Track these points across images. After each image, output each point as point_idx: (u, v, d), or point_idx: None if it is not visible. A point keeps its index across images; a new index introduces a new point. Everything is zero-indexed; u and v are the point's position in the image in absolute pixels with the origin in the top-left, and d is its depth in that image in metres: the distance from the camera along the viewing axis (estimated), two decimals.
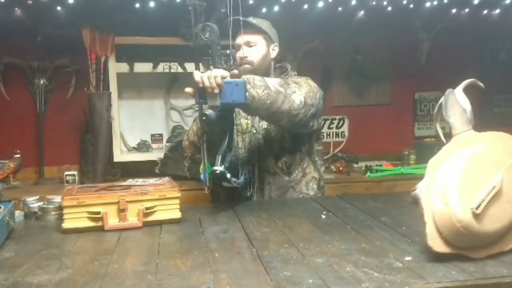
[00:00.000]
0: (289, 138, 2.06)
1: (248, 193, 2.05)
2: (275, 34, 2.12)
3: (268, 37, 2.08)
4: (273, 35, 2.10)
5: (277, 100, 1.75)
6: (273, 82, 1.79)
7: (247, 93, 1.68)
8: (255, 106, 1.71)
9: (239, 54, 2.03)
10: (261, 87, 1.72)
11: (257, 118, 2.06)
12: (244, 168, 2.01)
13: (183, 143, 2.17)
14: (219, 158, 1.70)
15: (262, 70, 2.05)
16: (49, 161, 3.40)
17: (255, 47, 2.05)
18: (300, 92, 1.85)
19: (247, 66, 2.02)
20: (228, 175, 1.72)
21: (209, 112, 1.68)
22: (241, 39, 2.03)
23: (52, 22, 3.15)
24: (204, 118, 1.67)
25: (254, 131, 2.08)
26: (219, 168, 1.68)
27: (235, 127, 2.06)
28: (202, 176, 1.72)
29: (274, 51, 2.11)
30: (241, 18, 1.89)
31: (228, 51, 1.77)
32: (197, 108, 1.83)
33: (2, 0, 2.88)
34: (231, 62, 1.79)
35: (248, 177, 2.02)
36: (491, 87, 3.97)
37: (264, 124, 2.07)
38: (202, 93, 1.63)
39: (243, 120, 2.09)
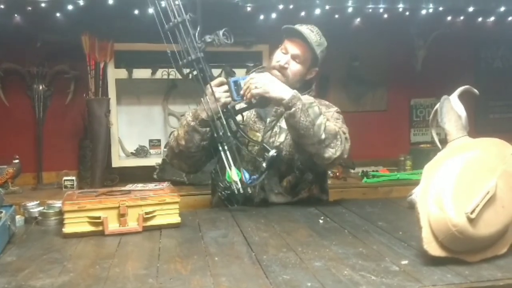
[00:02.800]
0: (303, 161, 1.99)
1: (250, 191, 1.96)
2: (323, 58, 2.04)
3: (316, 60, 2.01)
4: (320, 60, 2.02)
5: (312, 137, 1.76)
6: (328, 127, 1.77)
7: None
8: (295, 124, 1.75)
9: (280, 57, 1.96)
10: (311, 117, 1.74)
11: (269, 132, 1.99)
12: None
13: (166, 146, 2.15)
14: (264, 146, 1.80)
15: (290, 87, 1.94)
16: (47, 166, 3.41)
17: (299, 65, 1.98)
18: (346, 145, 1.83)
19: (280, 75, 1.95)
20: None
21: (208, 118, 1.74)
22: (293, 48, 1.96)
23: (52, 28, 3.18)
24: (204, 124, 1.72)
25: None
26: (272, 152, 1.75)
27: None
28: (246, 178, 1.74)
29: (310, 75, 2.05)
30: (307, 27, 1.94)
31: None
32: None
33: (1, 6, 2.89)
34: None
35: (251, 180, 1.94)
36: (486, 94, 3.99)
37: (276, 142, 1.98)
38: (237, 90, 1.79)
39: (251, 132, 2.01)
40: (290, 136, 1.92)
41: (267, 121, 2.02)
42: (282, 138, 2.00)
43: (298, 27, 1.98)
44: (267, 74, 1.87)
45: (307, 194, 2.03)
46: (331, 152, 1.79)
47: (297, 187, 2.01)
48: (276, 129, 2.01)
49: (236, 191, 1.75)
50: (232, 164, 1.73)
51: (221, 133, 1.79)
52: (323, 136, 1.76)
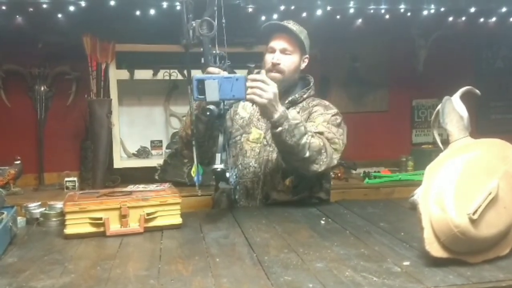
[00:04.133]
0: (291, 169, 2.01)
1: (235, 196, 2.01)
2: (309, 45, 2.06)
3: (303, 47, 2.02)
4: (307, 46, 2.04)
5: (302, 154, 1.78)
6: (312, 144, 1.79)
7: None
8: (281, 140, 1.75)
9: (270, 58, 1.98)
10: (296, 138, 1.75)
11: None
12: (235, 171, 1.96)
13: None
14: (219, 156, 1.65)
15: (290, 81, 2.01)
16: (49, 167, 3.41)
17: (290, 56, 1.99)
18: (333, 157, 1.88)
19: (276, 74, 1.96)
20: (228, 174, 1.69)
21: (212, 107, 1.65)
22: (277, 43, 1.97)
23: (53, 29, 3.18)
24: (208, 113, 1.64)
25: (265, 142, 2.01)
26: (219, 166, 1.63)
27: (243, 135, 2.04)
28: (195, 179, 1.69)
29: (304, 63, 2.06)
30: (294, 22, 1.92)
31: (219, 52, 1.71)
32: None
33: (3, 8, 2.90)
34: (224, 61, 1.73)
35: (236, 179, 1.93)
36: (487, 95, 3.99)
37: None
38: (201, 89, 1.59)
39: (254, 129, 2.03)
40: (276, 147, 1.93)
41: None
42: None
43: (274, 22, 2.03)
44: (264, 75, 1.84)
45: (308, 193, 2.04)
46: (315, 167, 1.84)
47: (299, 186, 2.01)
48: None
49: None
50: (195, 161, 1.69)
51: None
52: (307, 155, 1.80)
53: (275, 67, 1.97)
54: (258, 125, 2.04)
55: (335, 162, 1.92)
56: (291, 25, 2.00)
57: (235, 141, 2.06)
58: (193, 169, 1.71)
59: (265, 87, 1.70)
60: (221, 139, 1.69)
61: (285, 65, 1.98)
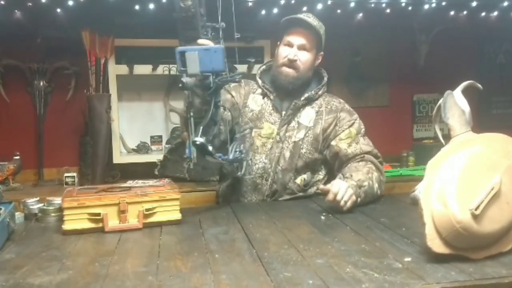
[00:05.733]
0: (322, 162, 2.04)
1: (239, 173, 1.88)
2: (324, 42, 2.03)
3: (320, 44, 2.00)
4: (323, 43, 2.02)
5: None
6: (377, 183, 1.91)
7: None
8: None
9: (287, 53, 1.94)
10: (370, 196, 1.87)
11: (285, 126, 1.98)
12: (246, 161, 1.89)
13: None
14: (199, 129, 1.57)
15: (304, 79, 1.99)
16: (48, 163, 3.39)
17: (307, 53, 1.96)
18: (383, 170, 2.03)
19: (291, 71, 1.95)
20: (210, 148, 1.58)
21: (185, 80, 1.56)
22: (296, 39, 1.94)
23: (52, 24, 3.16)
24: (180, 85, 1.55)
25: (278, 139, 1.98)
26: (199, 139, 1.54)
27: (254, 130, 1.98)
28: (186, 151, 1.59)
29: (318, 60, 2.04)
30: (303, 16, 1.91)
31: (216, 24, 1.62)
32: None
33: (2, 2, 2.88)
34: (220, 36, 1.62)
35: (240, 155, 1.80)
36: (489, 89, 3.98)
37: (293, 137, 1.98)
38: (183, 61, 1.53)
39: (267, 124, 2.00)
40: None
41: (283, 114, 2.00)
42: (301, 134, 1.99)
43: (296, 16, 1.98)
44: (342, 183, 1.80)
45: (315, 189, 2.04)
46: (382, 188, 1.98)
47: (309, 185, 2.03)
48: (294, 123, 2.00)
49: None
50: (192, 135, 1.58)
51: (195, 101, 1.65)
52: (379, 193, 1.94)
53: (291, 63, 1.94)
54: (270, 119, 2.01)
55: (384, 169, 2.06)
56: (311, 19, 1.96)
57: (244, 135, 1.99)
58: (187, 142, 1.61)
59: (340, 196, 1.73)
60: (209, 113, 1.60)
61: (302, 62, 1.96)
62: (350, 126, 2.02)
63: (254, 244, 1.40)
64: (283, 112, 2.00)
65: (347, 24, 3.53)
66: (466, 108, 1.45)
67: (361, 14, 3.48)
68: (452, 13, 3.56)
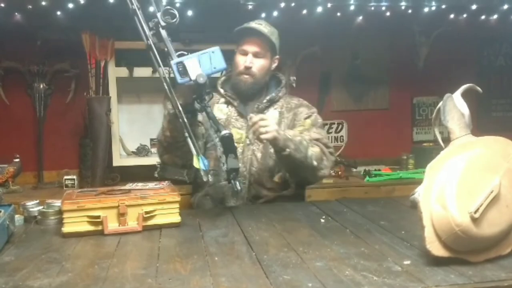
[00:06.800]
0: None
1: (210, 180, 1.81)
2: (279, 45, 2.10)
3: (274, 49, 2.07)
4: (278, 47, 2.09)
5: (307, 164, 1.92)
6: (315, 154, 1.94)
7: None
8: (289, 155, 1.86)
9: (243, 60, 2.02)
10: (303, 153, 1.89)
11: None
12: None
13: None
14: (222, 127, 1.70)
15: (261, 83, 2.07)
16: (48, 165, 3.40)
17: (261, 59, 2.04)
18: (332, 159, 2.05)
19: (249, 77, 2.02)
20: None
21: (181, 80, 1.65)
22: (250, 47, 2.02)
23: (52, 27, 3.16)
24: (190, 108, 1.64)
25: (248, 142, 2.04)
26: (226, 131, 1.68)
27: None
28: (201, 166, 1.60)
29: (274, 63, 2.12)
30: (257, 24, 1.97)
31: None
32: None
33: (2, 5, 2.88)
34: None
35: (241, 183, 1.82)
36: (489, 92, 3.99)
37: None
38: (182, 71, 1.62)
39: (234, 130, 2.03)
40: (283, 167, 2.03)
41: (248, 118, 2.00)
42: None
43: (247, 25, 2.05)
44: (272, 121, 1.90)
45: (295, 187, 2.09)
46: (322, 173, 2.02)
47: (288, 180, 2.07)
48: None
49: (204, 179, 1.65)
50: (195, 152, 1.62)
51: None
52: (314, 164, 1.94)
53: (247, 70, 2.02)
54: (237, 125, 2.06)
55: (333, 161, 2.10)
56: (263, 26, 2.04)
57: (214, 144, 1.89)
58: (195, 160, 1.63)
59: (265, 123, 1.80)
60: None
61: (257, 68, 2.04)
62: (307, 118, 2.10)
63: (253, 247, 1.40)
64: (248, 117, 2.00)
65: (347, 27, 3.53)
66: (466, 111, 1.45)
67: (361, 17, 3.48)
68: (452, 15, 3.56)
